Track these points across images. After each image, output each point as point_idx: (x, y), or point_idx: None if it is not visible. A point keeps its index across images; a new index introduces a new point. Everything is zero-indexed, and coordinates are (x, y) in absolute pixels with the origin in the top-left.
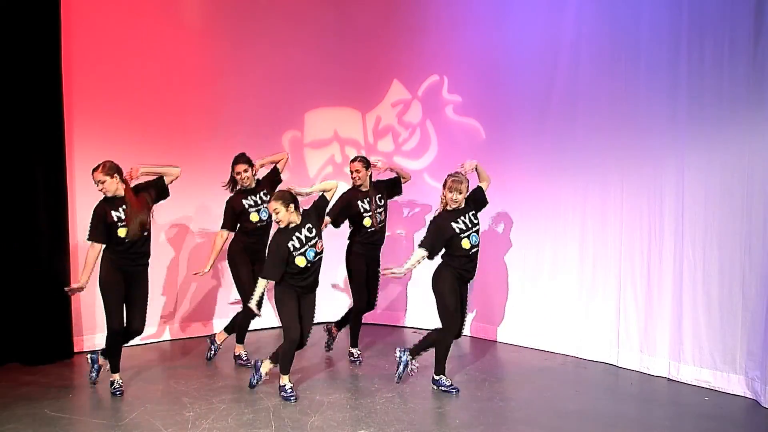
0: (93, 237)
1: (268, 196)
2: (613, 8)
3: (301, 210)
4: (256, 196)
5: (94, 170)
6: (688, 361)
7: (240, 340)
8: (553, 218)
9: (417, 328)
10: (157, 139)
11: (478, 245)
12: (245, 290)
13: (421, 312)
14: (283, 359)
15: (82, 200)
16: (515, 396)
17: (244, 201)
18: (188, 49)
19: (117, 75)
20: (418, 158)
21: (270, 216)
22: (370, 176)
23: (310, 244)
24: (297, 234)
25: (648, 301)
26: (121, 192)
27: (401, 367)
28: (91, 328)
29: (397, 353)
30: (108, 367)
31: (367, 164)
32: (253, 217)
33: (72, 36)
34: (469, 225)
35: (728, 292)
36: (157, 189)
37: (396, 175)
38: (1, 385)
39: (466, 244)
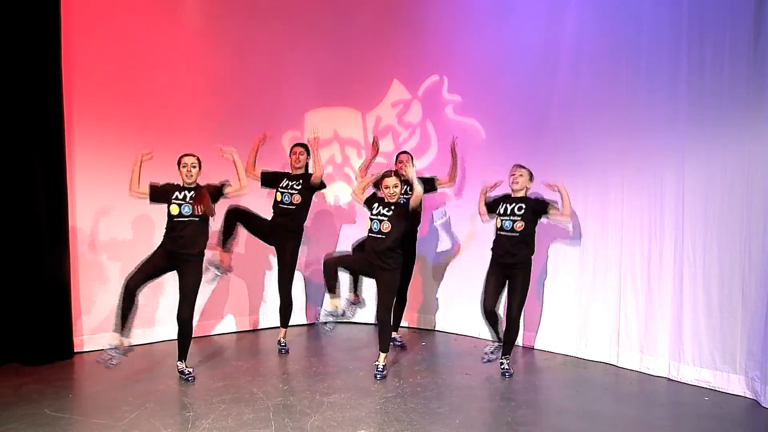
0: (151, 185)
1: (299, 187)
2: (613, 9)
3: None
4: (292, 182)
5: (190, 154)
6: (688, 361)
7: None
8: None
9: (414, 328)
10: (157, 138)
11: (511, 230)
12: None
13: (421, 313)
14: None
15: (82, 200)
16: (515, 396)
17: (284, 179)
18: (188, 49)
19: (117, 75)
20: (418, 158)
21: (291, 203)
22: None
23: (379, 218)
24: (380, 204)
25: (648, 301)
26: (193, 184)
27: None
28: (91, 328)
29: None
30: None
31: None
32: (278, 196)
33: (72, 36)
34: (510, 213)
35: (728, 292)
36: (216, 194)
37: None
38: (1, 385)
39: (498, 222)
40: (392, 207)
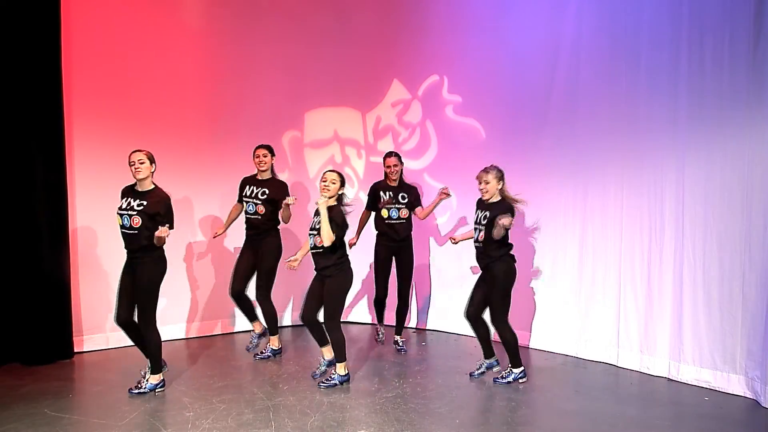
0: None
1: (264, 197)
2: (613, 8)
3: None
4: (258, 189)
5: (136, 150)
6: (688, 361)
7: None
8: (553, 218)
9: (414, 329)
10: (157, 138)
11: (477, 241)
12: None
13: (421, 313)
14: None
15: (82, 200)
16: (515, 396)
17: (246, 186)
18: (188, 48)
19: (117, 74)
20: (418, 158)
21: (256, 214)
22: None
23: (312, 232)
24: (317, 216)
25: (648, 301)
26: (147, 187)
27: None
28: (91, 328)
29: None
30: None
31: (400, 160)
32: (243, 205)
33: (72, 36)
34: (478, 220)
35: (728, 292)
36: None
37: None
38: (1, 385)
39: (474, 234)
40: (318, 225)
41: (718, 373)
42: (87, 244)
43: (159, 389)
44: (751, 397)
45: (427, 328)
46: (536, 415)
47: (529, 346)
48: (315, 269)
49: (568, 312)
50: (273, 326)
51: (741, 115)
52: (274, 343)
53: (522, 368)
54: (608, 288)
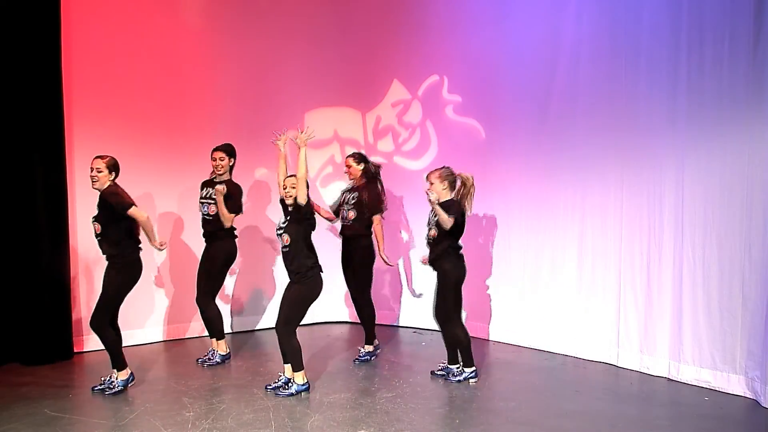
0: None
1: (211, 198)
2: (613, 8)
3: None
4: (212, 190)
5: (97, 157)
6: (688, 361)
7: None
8: (552, 218)
9: (416, 329)
10: (156, 137)
11: (428, 239)
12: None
13: (420, 313)
14: None
15: (82, 200)
16: (515, 396)
17: (203, 189)
18: (188, 49)
19: (117, 74)
20: (418, 158)
21: (208, 215)
22: (367, 175)
23: (279, 231)
24: (282, 218)
25: (648, 301)
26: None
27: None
28: None
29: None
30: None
31: (360, 161)
32: (200, 206)
33: (72, 36)
34: (429, 220)
35: (728, 292)
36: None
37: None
38: (1, 385)
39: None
40: (286, 223)
41: (718, 373)
42: (87, 244)
43: (131, 383)
44: (751, 397)
45: (426, 327)
46: (536, 415)
47: (529, 346)
48: (288, 272)
49: (568, 312)
50: (218, 331)
51: (741, 114)
52: (221, 347)
53: (474, 368)
54: (608, 288)
